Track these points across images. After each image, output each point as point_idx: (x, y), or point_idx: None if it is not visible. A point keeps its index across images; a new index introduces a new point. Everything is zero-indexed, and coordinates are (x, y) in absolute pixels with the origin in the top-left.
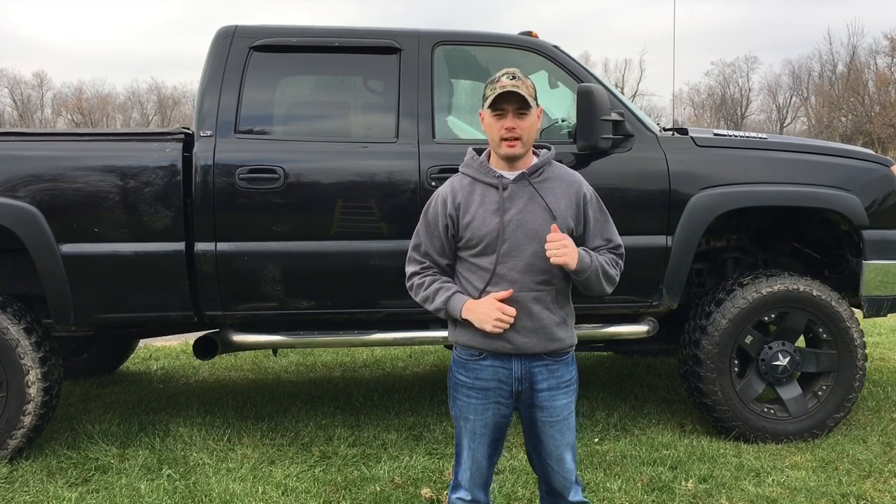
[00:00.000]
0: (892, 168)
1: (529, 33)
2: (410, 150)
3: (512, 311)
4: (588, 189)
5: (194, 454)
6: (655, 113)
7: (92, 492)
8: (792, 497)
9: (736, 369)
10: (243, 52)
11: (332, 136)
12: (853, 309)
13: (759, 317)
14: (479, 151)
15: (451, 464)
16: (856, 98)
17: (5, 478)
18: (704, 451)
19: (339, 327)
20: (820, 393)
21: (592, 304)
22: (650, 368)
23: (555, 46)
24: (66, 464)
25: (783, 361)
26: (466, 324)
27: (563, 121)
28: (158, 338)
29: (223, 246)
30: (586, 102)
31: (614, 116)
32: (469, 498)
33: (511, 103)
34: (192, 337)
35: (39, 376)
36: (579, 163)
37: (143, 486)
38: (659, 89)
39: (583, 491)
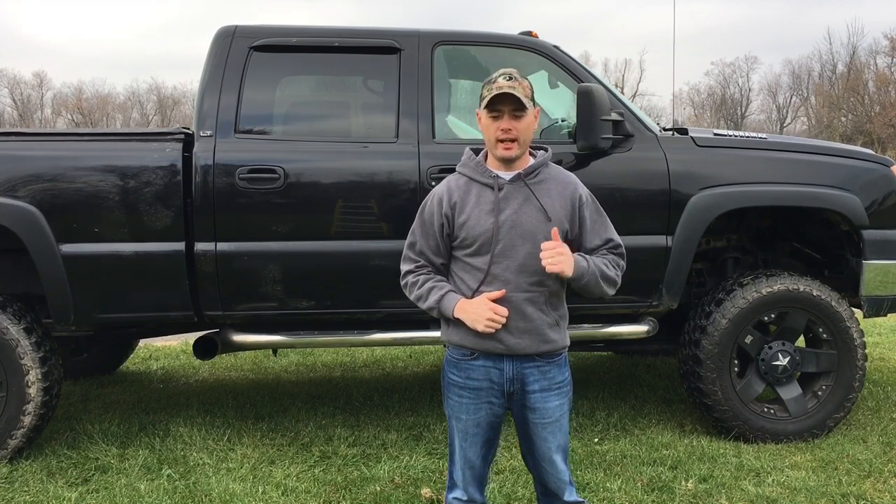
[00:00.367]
0: (892, 168)
1: (529, 33)
2: (410, 150)
3: (504, 311)
4: (584, 191)
5: (194, 454)
6: (655, 113)
7: (92, 492)
8: (792, 497)
9: (736, 369)
10: (243, 52)
11: (332, 136)
12: (853, 309)
13: (759, 317)
14: (477, 151)
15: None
16: (856, 98)
17: (5, 478)
18: (704, 451)
19: (339, 327)
20: (820, 393)
21: (592, 303)
22: (650, 368)
23: (555, 46)
24: (66, 464)
25: (783, 361)
26: (459, 323)
27: (562, 121)
28: (158, 338)
29: (223, 246)
30: (586, 102)
31: (614, 116)
32: (465, 498)
33: (507, 104)
34: (192, 337)
35: (39, 376)
36: (579, 163)
37: (143, 486)
38: (659, 89)
39: (578, 491)
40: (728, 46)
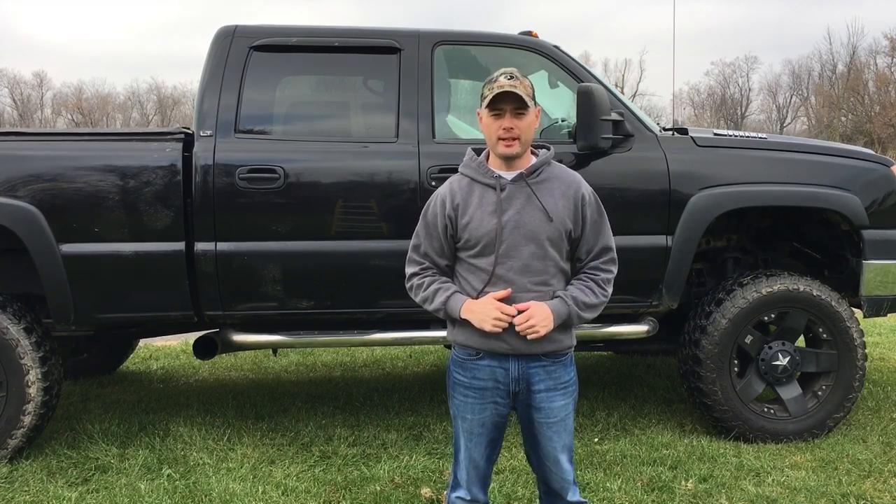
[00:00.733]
0: (892, 168)
1: (529, 33)
2: (410, 150)
3: (511, 310)
4: (587, 189)
5: (194, 454)
6: (655, 113)
7: (92, 491)
8: (792, 497)
9: (736, 369)
10: (243, 52)
11: (332, 136)
12: (853, 309)
13: (759, 317)
14: (479, 151)
15: (451, 463)
16: (856, 98)
17: (5, 477)
18: (704, 450)
19: (339, 327)
20: (820, 393)
21: None
22: (650, 368)
23: (555, 46)
24: (66, 463)
25: (783, 361)
26: (465, 323)
27: (563, 120)
28: (158, 338)
29: (223, 246)
30: (586, 102)
31: (614, 116)
32: (468, 497)
33: (508, 103)
34: (192, 337)
35: (39, 376)
36: (579, 163)
37: (143, 486)
38: (659, 89)
39: (581, 491)
40: (728, 46)
